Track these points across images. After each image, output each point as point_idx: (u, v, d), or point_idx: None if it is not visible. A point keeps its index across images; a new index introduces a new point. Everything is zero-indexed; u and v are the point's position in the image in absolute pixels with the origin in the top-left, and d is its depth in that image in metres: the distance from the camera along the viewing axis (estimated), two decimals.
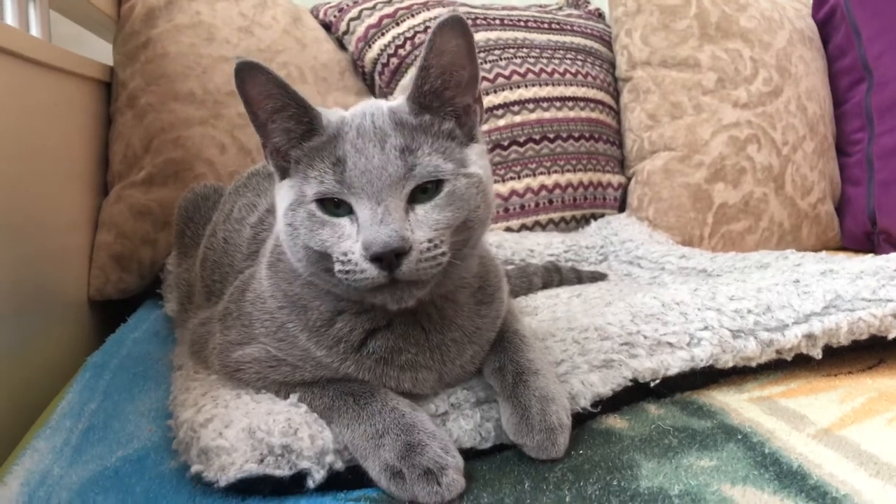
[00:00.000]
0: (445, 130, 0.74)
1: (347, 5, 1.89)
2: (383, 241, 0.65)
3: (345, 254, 0.68)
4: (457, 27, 0.71)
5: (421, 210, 0.69)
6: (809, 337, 0.90)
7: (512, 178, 1.81)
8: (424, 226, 0.69)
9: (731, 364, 0.88)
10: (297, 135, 0.74)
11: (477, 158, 0.75)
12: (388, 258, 0.65)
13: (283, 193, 0.75)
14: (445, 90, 0.74)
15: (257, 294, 0.81)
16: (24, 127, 1.14)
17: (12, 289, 1.08)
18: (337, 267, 0.68)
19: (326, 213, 0.70)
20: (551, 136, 1.86)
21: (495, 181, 1.79)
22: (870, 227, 2.04)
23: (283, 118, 0.73)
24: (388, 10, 1.87)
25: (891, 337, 0.92)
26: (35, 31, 1.31)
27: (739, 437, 0.76)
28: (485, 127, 1.79)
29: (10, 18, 1.19)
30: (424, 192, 0.70)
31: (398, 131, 0.71)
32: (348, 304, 0.75)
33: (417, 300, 0.71)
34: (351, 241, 0.68)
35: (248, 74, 0.71)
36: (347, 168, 0.69)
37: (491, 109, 1.81)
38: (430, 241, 0.68)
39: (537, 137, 1.84)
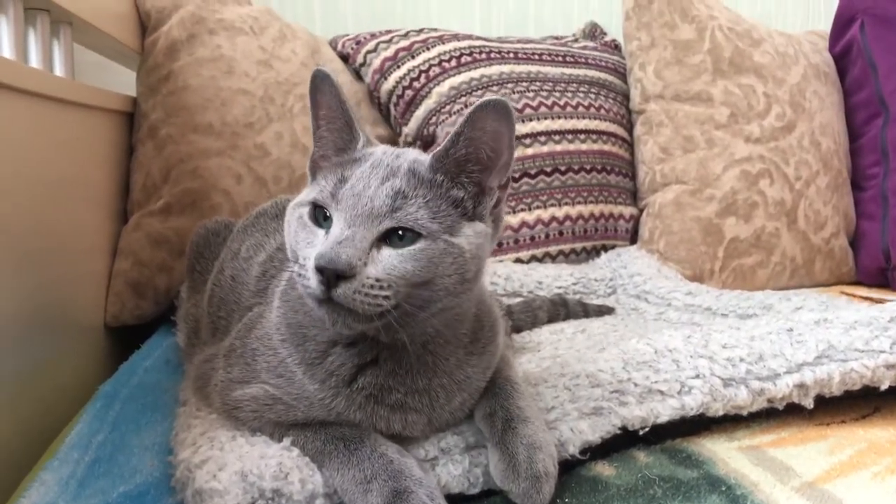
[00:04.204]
0: (452, 196, 0.75)
1: (365, 38, 1.93)
2: (330, 257, 0.68)
3: (304, 258, 0.73)
4: (501, 112, 0.73)
5: (385, 252, 0.71)
6: (801, 387, 0.90)
7: (523, 210, 1.83)
8: (379, 265, 0.70)
9: (721, 412, 0.89)
10: (334, 148, 0.81)
11: (471, 234, 0.75)
12: (328, 275, 0.68)
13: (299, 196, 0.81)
14: (468, 163, 0.75)
15: (265, 330, 0.85)
16: (48, 160, 1.19)
17: (33, 313, 1.11)
18: (295, 268, 0.74)
19: (311, 219, 0.76)
20: (563, 168, 1.88)
21: (506, 213, 1.81)
22: (884, 262, 2.02)
23: (330, 129, 0.81)
24: (405, 42, 1.91)
25: (883, 388, 0.92)
26: (59, 68, 1.36)
27: (724, 488, 0.77)
28: None
29: (35, 58, 1.24)
30: (401, 238, 0.72)
31: (405, 177, 0.74)
32: (340, 334, 0.78)
33: (358, 333, 0.75)
34: (314, 249, 0.72)
35: (321, 82, 0.80)
36: (345, 187, 0.74)
37: None
38: (377, 279, 0.69)
39: (549, 170, 1.86)
